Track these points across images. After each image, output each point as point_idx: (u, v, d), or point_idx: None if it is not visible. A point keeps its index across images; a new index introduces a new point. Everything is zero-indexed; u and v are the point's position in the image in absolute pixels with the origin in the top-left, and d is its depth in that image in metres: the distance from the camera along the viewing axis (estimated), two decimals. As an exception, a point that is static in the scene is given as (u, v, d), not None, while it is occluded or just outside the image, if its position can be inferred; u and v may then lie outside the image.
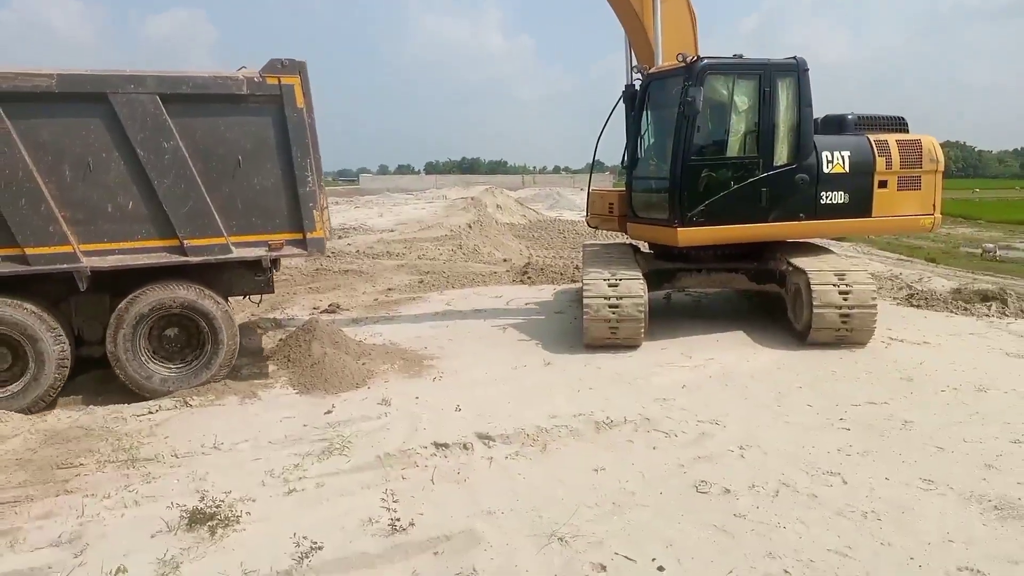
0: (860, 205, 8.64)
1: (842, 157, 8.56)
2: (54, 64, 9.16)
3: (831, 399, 6.20)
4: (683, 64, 8.16)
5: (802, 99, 8.29)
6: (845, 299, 7.69)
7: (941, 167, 8.88)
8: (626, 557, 3.76)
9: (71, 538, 4.12)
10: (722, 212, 8.26)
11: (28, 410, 6.25)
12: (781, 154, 8.35)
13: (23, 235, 6.09)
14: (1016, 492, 4.40)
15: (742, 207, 8.31)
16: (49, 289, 6.53)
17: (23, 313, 6.23)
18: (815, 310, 7.68)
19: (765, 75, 8.21)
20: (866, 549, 3.79)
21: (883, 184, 8.67)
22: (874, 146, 8.68)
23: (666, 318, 9.36)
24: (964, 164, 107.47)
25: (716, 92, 8.30)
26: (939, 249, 18.31)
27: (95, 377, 6.97)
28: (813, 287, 7.73)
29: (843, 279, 7.81)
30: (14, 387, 6.29)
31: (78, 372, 6.85)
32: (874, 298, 7.80)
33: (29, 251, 6.13)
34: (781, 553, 3.76)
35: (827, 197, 8.49)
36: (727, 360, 7.45)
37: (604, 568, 3.67)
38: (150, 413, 6.22)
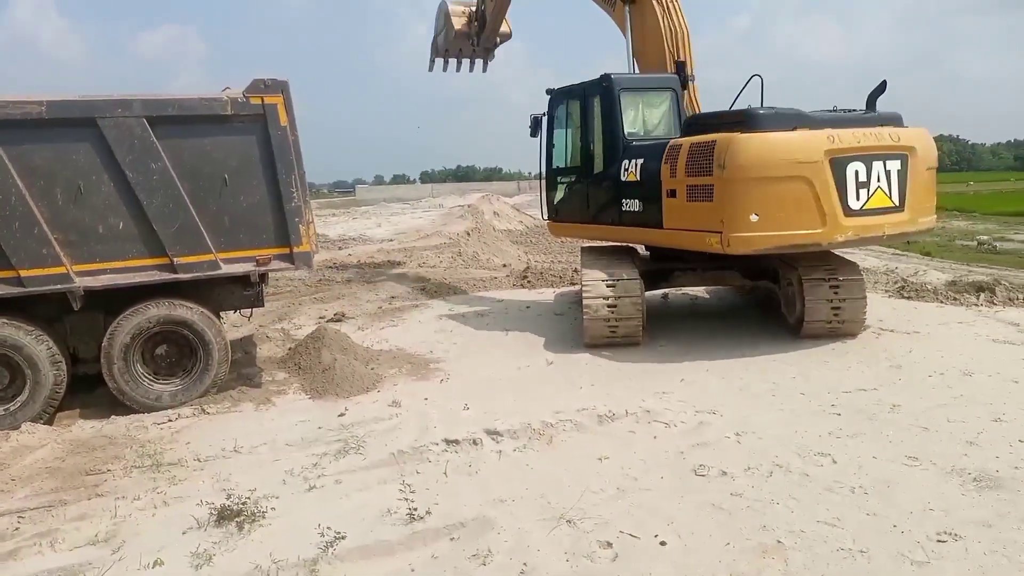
0: (653, 215, 8.20)
1: (636, 165, 8.46)
2: (45, 85, 9.44)
3: (823, 387, 6.46)
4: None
5: (608, 112, 8.84)
6: (836, 292, 7.91)
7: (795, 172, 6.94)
8: (630, 535, 4.02)
9: (107, 536, 4.35)
10: (567, 212, 10.02)
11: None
12: (597, 163, 9.18)
13: (17, 257, 6.21)
14: (994, 465, 4.68)
15: (576, 209, 9.79)
16: (44, 309, 6.63)
17: (19, 333, 6.37)
18: (807, 303, 7.91)
19: (582, 95, 9.24)
20: (853, 520, 4.06)
21: (672, 193, 7.87)
22: (665, 152, 7.97)
23: (664, 317, 9.64)
24: (958, 158, 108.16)
25: (563, 112, 9.92)
26: (934, 243, 18.54)
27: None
28: (805, 281, 7.95)
29: (833, 273, 8.05)
30: (11, 405, 6.43)
31: (95, 387, 7.05)
32: (864, 290, 8.05)
33: (24, 273, 6.24)
34: (775, 526, 4.03)
35: (627, 204, 8.70)
36: (723, 354, 7.70)
37: (610, 545, 3.93)
38: (169, 421, 6.46)
